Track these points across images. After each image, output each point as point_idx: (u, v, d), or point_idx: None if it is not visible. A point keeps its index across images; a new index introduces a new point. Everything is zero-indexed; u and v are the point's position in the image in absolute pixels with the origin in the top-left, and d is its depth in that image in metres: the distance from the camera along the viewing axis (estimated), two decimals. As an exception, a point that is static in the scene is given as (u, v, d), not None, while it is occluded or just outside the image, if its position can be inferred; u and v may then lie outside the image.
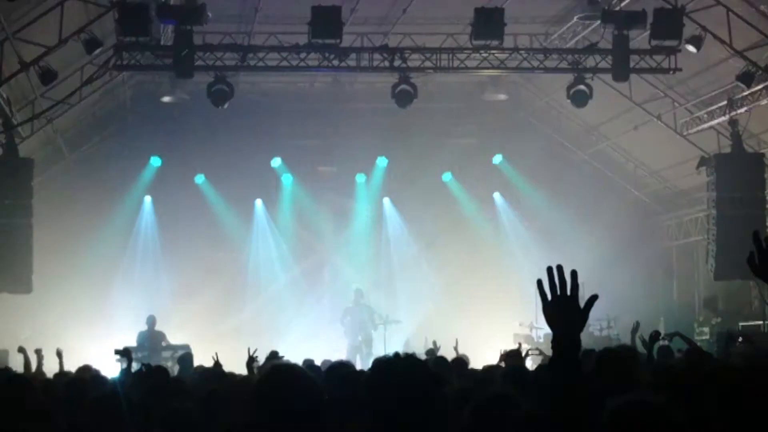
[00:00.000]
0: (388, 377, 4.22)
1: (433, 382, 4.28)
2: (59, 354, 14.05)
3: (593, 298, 4.04)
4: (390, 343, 23.85)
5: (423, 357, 14.11)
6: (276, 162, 25.45)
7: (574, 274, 4.04)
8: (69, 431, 7.32)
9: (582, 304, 4.01)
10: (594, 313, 14.48)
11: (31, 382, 8.36)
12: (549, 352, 4.07)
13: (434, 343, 15.95)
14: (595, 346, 18.33)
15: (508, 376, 8.96)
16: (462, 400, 6.30)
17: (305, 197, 25.77)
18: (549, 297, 4.03)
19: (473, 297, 25.47)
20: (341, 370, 7.53)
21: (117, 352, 13.08)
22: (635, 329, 12.44)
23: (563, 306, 3.98)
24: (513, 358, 13.14)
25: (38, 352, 14.08)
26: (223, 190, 24.99)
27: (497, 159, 25.85)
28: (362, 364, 21.05)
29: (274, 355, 12.31)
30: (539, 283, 4.08)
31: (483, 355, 17.53)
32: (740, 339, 14.82)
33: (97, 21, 18.58)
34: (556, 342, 3.99)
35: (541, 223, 25.86)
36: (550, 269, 4.01)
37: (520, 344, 16.50)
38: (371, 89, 22.52)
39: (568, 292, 4.01)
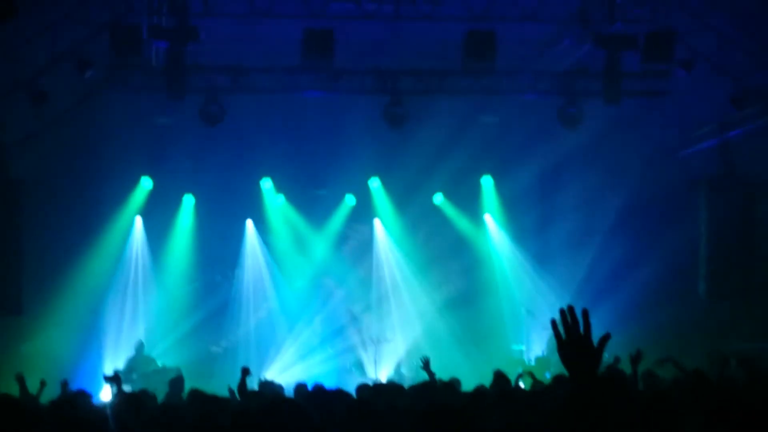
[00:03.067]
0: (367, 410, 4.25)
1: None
2: (64, 385, 14.08)
3: (606, 338, 4.04)
4: (381, 364, 23.82)
5: (413, 380, 14.11)
6: (266, 183, 25.39)
7: (585, 313, 4.11)
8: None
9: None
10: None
11: (24, 409, 8.31)
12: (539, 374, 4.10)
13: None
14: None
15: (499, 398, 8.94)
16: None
17: (296, 218, 25.70)
18: (564, 337, 4.03)
19: (465, 319, 25.41)
20: (334, 398, 7.52)
21: (107, 378, 13.08)
22: (636, 359, 11.40)
23: (577, 346, 3.99)
24: (501, 379, 13.09)
25: (42, 382, 14.05)
26: (214, 211, 24.91)
27: (488, 181, 25.82)
28: (354, 386, 20.97)
29: (266, 384, 12.27)
30: (554, 323, 4.09)
31: (474, 377, 17.43)
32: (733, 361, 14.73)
33: (89, 42, 18.58)
34: (572, 379, 3.99)
35: (532, 245, 25.81)
36: (563, 311, 4.02)
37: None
38: (363, 111, 22.49)
39: (581, 332, 4.02)
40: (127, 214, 24.84)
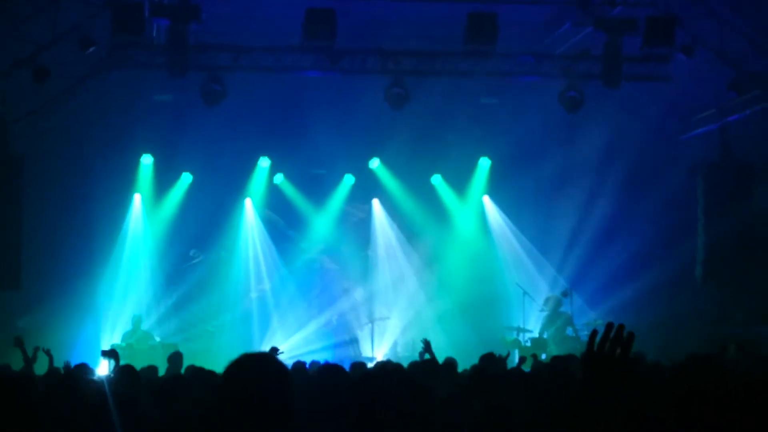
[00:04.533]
0: (369, 387, 4.25)
1: (415, 392, 4.32)
2: (48, 353, 14.12)
3: (631, 338, 3.99)
4: (378, 343, 23.91)
5: (409, 358, 14.19)
6: (265, 162, 25.41)
7: (630, 337, 3.97)
8: (57, 430, 7.34)
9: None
10: (583, 319, 14.58)
11: (30, 381, 8.40)
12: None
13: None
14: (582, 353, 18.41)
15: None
16: (450, 405, 6.35)
17: (295, 198, 25.74)
18: (596, 348, 3.97)
19: (462, 299, 25.48)
20: (331, 373, 7.57)
21: (104, 353, 13.15)
22: (628, 342, 11.68)
23: (607, 365, 3.91)
24: (490, 360, 13.11)
25: (36, 349, 14.14)
26: (212, 190, 24.92)
27: (486, 162, 25.85)
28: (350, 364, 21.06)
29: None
30: (594, 333, 4.00)
31: (470, 358, 17.50)
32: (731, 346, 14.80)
33: (91, 19, 18.60)
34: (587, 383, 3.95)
35: (529, 228, 25.86)
36: (610, 325, 3.95)
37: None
38: (364, 91, 22.49)
39: (617, 354, 3.95)
40: (126, 190, 24.88)
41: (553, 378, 9.14)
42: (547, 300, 23.44)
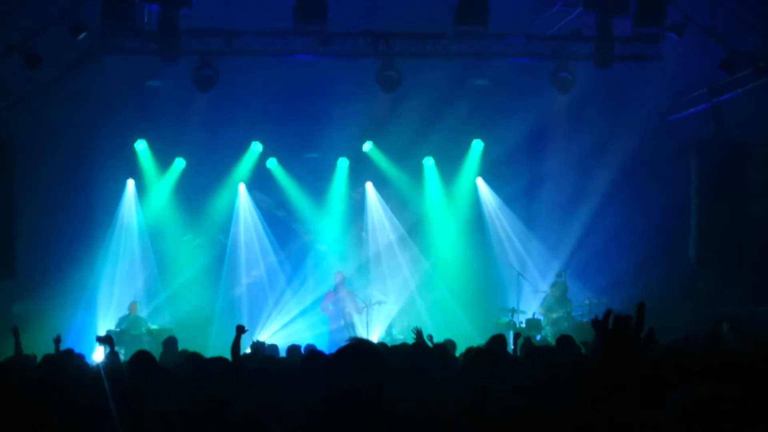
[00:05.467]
0: (341, 366, 4.26)
1: (386, 372, 4.32)
2: (57, 340, 14.18)
3: (642, 307, 4.05)
4: (373, 327, 23.94)
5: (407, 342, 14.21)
6: (258, 146, 25.41)
7: (641, 307, 4.06)
8: (52, 416, 7.36)
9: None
10: (576, 299, 14.63)
11: (20, 366, 8.42)
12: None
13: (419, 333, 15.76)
14: (575, 333, 18.48)
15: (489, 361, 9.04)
16: (445, 390, 6.36)
17: (288, 182, 25.75)
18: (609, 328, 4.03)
19: (457, 281, 25.55)
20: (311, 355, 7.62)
21: (99, 339, 13.16)
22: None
23: (621, 338, 3.96)
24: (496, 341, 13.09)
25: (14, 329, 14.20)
26: (205, 174, 24.95)
27: (479, 144, 25.87)
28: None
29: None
30: (606, 315, 4.09)
31: (466, 339, 17.55)
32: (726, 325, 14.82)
33: (82, 5, 18.55)
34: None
35: (522, 208, 25.90)
36: (642, 305, 4.01)
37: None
38: (355, 74, 22.47)
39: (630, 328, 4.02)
40: (119, 176, 24.88)
41: (554, 358, 9.17)
42: (555, 283, 23.43)
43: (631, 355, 3.97)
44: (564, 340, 12.27)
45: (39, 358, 13.00)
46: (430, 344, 13.35)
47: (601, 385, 3.96)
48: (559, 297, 23.00)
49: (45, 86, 19.92)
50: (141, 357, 9.69)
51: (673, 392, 3.64)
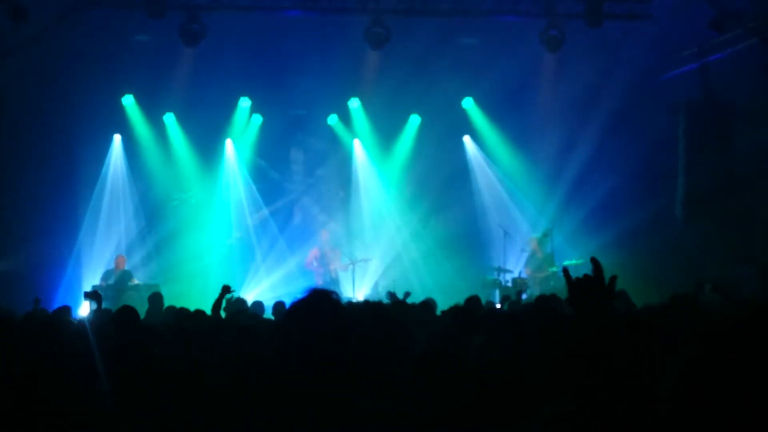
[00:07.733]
0: (300, 317, 4.28)
1: (348, 324, 4.33)
2: (36, 301, 14.17)
3: (614, 279, 4.22)
4: (359, 284, 23.97)
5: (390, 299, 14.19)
6: (245, 102, 25.32)
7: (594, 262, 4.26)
8: (39, 372, 7.33)
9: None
10: (563, 258, 14.65)
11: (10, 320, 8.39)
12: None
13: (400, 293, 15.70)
14: (563, 293, 18.51)
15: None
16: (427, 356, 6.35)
17: (275, 138, 25.68)
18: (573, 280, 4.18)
19: (442, 240, 25.57)
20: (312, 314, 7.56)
21: (86, 295, 13.11)
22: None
23: (589, 288, 4.10)
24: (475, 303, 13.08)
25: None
26: (193, 130, 24.87)
27: (468, 102, 25.79)
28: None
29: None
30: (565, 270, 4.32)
31: (450, 298, 17.56)
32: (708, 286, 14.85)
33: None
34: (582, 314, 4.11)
35: (509, 167, 25.87)
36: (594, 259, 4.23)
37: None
38: (344, 31, 22.36)
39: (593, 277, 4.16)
40: (105, 131, 24.77)
41: (538, 316, 9.15)
42: (529, 240, 23.53)
43: (595, 302, 4.09)
44: (545, 297, 12.28)
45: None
46: (405, 301, 13.41)
47: (573, 336, 4.07)
48: (546, 256, 23.05)
49: (31, 40, 19.78)
50: (125, 313, 9.63)
51: (671, 357, 3.72)
